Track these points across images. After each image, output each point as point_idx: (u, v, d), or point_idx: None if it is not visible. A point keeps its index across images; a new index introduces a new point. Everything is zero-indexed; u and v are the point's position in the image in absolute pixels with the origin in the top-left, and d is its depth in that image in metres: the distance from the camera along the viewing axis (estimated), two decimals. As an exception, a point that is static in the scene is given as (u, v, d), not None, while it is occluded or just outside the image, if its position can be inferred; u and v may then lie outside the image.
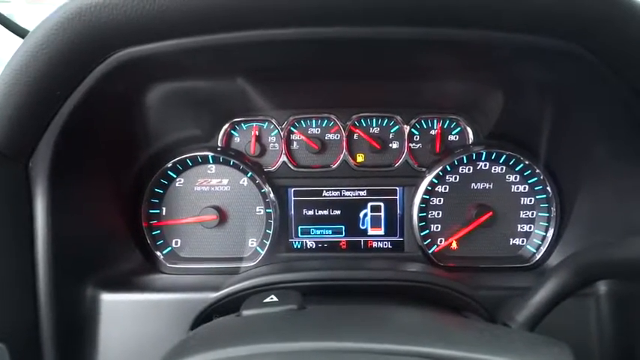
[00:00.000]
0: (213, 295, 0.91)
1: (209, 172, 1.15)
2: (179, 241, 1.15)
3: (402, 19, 0.64)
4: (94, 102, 0.80)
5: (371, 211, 1.14)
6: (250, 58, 0.90)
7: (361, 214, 1.15)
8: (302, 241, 1.16)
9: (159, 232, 1.14)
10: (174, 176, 1.14)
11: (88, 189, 0.95)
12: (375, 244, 1.15)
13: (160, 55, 0.77)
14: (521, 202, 1.10)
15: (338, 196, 1.15)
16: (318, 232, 1.15)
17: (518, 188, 1.10)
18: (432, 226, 1.12)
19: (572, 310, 0.87)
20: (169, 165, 1.12)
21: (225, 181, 1.15)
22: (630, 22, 0.63)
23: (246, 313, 0.70)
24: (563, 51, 0.67)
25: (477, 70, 0.89)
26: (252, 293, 0.86)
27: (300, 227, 1.15)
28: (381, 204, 1.14)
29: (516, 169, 1.09)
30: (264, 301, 0.71)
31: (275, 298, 0.72)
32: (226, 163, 1.13)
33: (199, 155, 1.13)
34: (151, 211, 1.13)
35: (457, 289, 0.89)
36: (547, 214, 1.08)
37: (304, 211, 1.15)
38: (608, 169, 0.92)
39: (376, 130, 1.14)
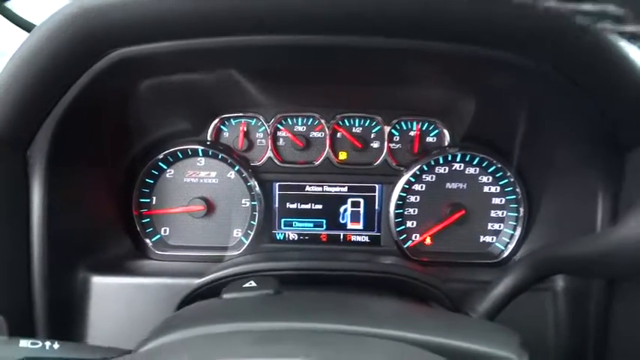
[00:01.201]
0: (197, 281, 0.97)
1: (198, 164, 1.20)
2: (168, 229, 1.21)
3: (373, 31, 0.70)
4: (90, 96, 0.85)
5: (351, 207, 1.21)
6: (241, 61, 0.96)
7: (342, 209, 1.21)
8: (285, 233, 1.22)
9: (149, 220, 1.20)
10: (165, 167, 1.20)
11: (83, 177, 1.00)
12: (353, 238, 1.21)
13: (154, 55, 0.83)
14: (492, 202, 1.17)
15: (320, 192, 1.20)
16: (301, 224, 1.21)
17: (490, 189, 1.17)
18: (408, 222, 1.19)
19: (532, 304, 0.94)
20: (160, 156, 1.17)
21: (213, 174, 1.20)
22: (582, 35, 0.69)
23: (226, 296, 0.76)
24: (524, 64, 0.73)
25: (450, 78, 0.95)
26: (233, 280, 0.92)
27: (283, 220, 1.21)
28: (361, 200, 1.20)
29: (489, 171, 1.16)
30: (244, 285, 0.77)
31: (254, 284, 0.78)
32: (215, 156, 1.19)
33: (189, 148, 1.18)
34: (141, 200, 1.19)
35: (425, 281, 0.95)
36: (516, 214, 1.15)
37: (288, 205, 1.21)
38: (570, 175, 0.99)
39: (358, 129, 1.19)
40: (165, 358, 0.55)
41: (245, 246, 1.18)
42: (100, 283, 0.99)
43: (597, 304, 0.90)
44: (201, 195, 1.19)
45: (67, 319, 0.94)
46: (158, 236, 1.20)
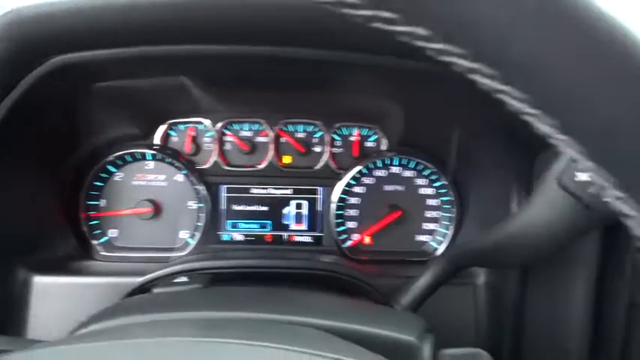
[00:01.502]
0: (138, 280, 1.01)
1: (146, 167, 1.24)
2: (116, 231, 1.24)
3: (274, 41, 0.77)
4: (34, 99, 0.89)
5: (295, 208, 1.26)
6: (184, 68, 1.01)
7: (285, 211, 1.26)
8: (231, 234, 1.26)
9: (97, 222, 1.23)
10: (114, 170, 1.23)
11: (27, 178, 1.03)
12: (297, 238, 1.26)
13: (97, 61, 0.88)
14: (428, 204, 1.23)
15: (265, 194, 1.25)
16: (246, 226, 1.26)
17: (425, 191, 1.24)
18: (349, 222, 1.24)
19: (454, 298, 1.01)
20: (109, 160, 1.20)
21: (161, 177, 1.24)
22: None
23: (156, 290, 0.80)
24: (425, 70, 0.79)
25: (378, 87, 1.02)
26: (173, 278, 0.96)
27: (229, 222, 1.26)
28: (304, 202, 1.25)
29: (424, 174, 1.23)
30: (174, 281, 0.81)
31: (184, 279, 0.82)
32: (163, 160, 1.23)
33: (138, 152, 1.22)
34: (90, 202, 1.22)
35: (357, 277, 1.01)
36: (449, 214, 1.22)
37: (234, 207, 1.26)
38: (492, 177, 1.06)
39: (302, 135, 1.25)
40: (84, 343, 0.59)
41: (191, 247, 1.22)
42: (41, 282, 1.01)
43: (512, 296, 0.97)
44: (149, 197, 1.23)
45: (6, 318, 0.96)
46: (106, 238, 1.23)
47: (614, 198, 0.33)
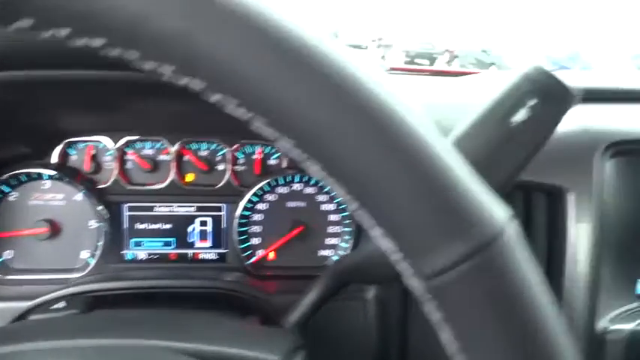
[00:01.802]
0: (26, 305, 0.98)
1: (43, 187, 1.21)
2: (12, 252, 1.20)
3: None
4: None
5: (199, 226, 1.26)
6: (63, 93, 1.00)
7: (190, 229, 1.26)
8: (135, 253, 1.25)
9: (-9, 244, 1.19)
10: (8, 190, 1.19)
11: None
12: (201, 256, 1.27)
13: None
14: (329, 219, 1.27)
15: (169, 212, 1.25)
16: (150, 244, 1.25)
17: (327, 207, 1.27)
18: (253, 239, 1.26)
19: (345, 313, 1.05)
20: (2, 179, 1.17)
21: (59, 196, 1.21)
22: None
23: (32, 317, 0.79)
24: None
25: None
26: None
27: (132, 240, 1.25)
28: (208, 219, 1.26)
29: (325, 190, 1.26)
30: (51, 307, 0.80)
31: (63, 305, 0.81)
32: (61, 179, 1.20)
33: (34, 172, 1.18)
34: (-19, 224, 1.18)
35: (251, 294, 1.03)
36: (350, 229, 1.26)
37: (137, 226, 1.25)
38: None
39: (204, 153, 1.26)
40: None
41: (90, 267, 1.20)
42: None
43: (397, 311, 1.01)
44: (47, 217, 1.20)
45: None
46: (1, 259, 1.19)
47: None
